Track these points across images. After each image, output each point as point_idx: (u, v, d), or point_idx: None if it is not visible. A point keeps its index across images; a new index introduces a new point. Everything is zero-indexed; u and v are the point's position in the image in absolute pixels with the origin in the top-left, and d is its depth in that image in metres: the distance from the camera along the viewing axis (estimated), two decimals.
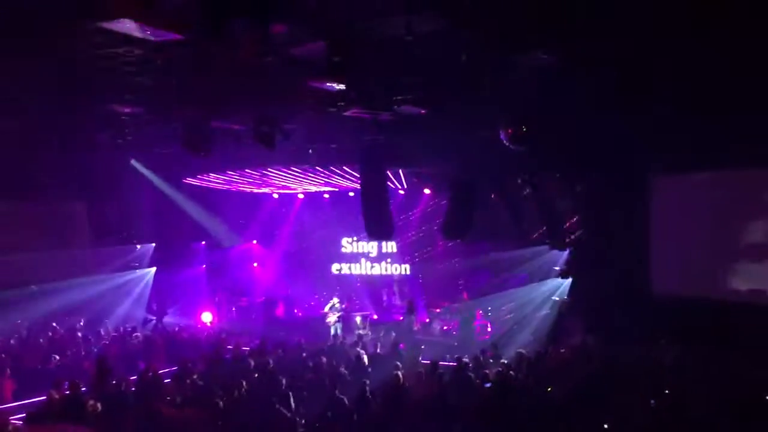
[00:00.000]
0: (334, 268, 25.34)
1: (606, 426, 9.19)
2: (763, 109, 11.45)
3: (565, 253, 19.53)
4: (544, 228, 19.31)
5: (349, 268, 25.22)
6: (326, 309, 21.08)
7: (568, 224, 19.02)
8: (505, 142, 11.64)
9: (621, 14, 7.93)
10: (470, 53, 9.29)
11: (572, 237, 18.83)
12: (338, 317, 20.63)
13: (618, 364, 13.04)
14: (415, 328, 20.41)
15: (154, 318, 21.66)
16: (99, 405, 10.29)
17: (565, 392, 10.74)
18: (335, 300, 21.18)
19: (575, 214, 18.80)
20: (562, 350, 14.80)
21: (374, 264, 24.94)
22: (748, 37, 8.55)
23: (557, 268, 20.08)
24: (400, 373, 12.02)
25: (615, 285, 16.56)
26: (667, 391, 10.75)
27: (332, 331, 19.71)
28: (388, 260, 24.74)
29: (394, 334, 20.45)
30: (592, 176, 17.15)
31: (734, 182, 15.41)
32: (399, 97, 11.35)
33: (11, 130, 14.30)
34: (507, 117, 11.54)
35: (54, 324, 18.09)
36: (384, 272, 24.81)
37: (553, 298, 19.76)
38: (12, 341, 16.59)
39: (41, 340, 16.91)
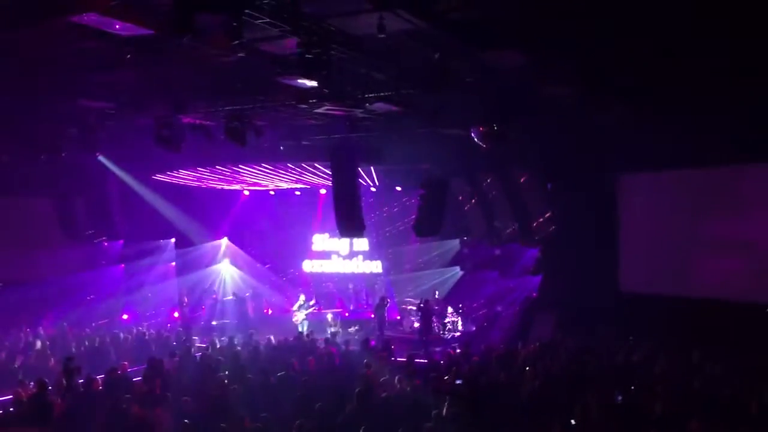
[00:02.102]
0: (306, 265, 25.26)
1: (573, 422, 9.29)
2: (725, 110, 11.70)
3: (536, 251, 19.72)
4: (516, 225, 19.50)
5: (321, 265, 25.15)
6: (294, 307, 21.01)
7: (538, 222, 19.21)
8: (476, 140, 11.72)
9: (589, 14, 8.03)
10: (443, 51, 9.33)
11: (543, 234, 19.02)
12: (305, 315, 20.56)
13: (587, 360, 13.20)
14: (386, 325, 20.42)
15: (126, 315, 21.41)
16: (65, 404, 10.15)
17: (535, 388, 10.84)
18: (302, 297, 21.11)
19: (546, 211, 18.99)
20: (532, 346, 14.93)
21: (346, 261, 24.90)
22: (712, 37, 8.72)
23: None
24: (367, 371, 12.04)
25: (584, 282, 16.76)
26: (633, 387, 10.91)
27: (299, 329, 19.65)
28: (360, 257, 24.74)
29: (363, 331, 20.52)
30: (562, 174, 17.33)
31: (698, 180, 15.71)
32: (371, 95, 11.35)
33: None
34: (479, 115, 11.62)
35: (20, 323, 17.76)
36: (356, 270, 24.78)
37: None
38: None
39: (6, 340, 16.59)
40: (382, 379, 11.88)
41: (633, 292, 16.53)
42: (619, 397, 10.39)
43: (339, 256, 24.93)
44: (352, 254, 24.79)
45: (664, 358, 12.57)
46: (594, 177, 16.68)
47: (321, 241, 25.04)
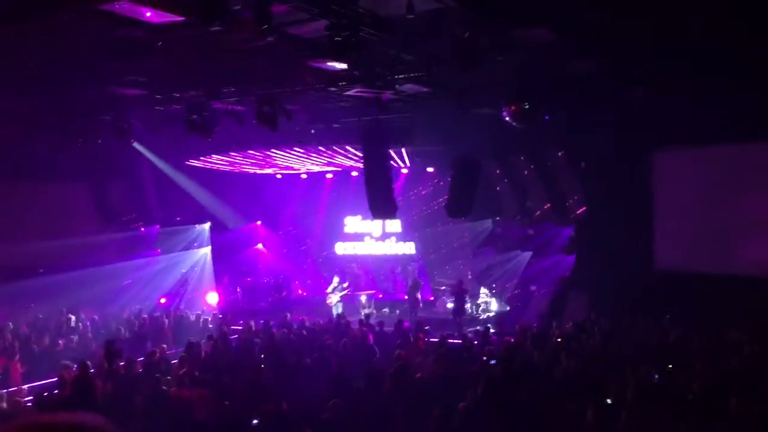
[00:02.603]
0: (339, 248, 25.38)
1: (609, 401, 9.26)
2: (764, 84, 11.43)
3: (570, 230, 19.57)
4: (548, 205, 19.35)
5: (354, 247, 25.25)
6: (328, 290, 21.15)
7: (571, 201, 19.03)
8: (507, 119, 11.62)
9: None
10: (472, 30, 9.25)
11: (576, 213, 18.85)
12: (340, 297, 20.67)
13: (622, 339, 13.11)
14: (419, 306, 20.48)
15: (164, 299, 21.78)
16: (109, 386, 10.41)
17: (569, 367, 10.81)
18: (336, 279, 21.22)
19: (579, 190, 18.80)
20: (567, 326, 14.86)
21: (378, 243, 24.95)
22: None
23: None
24: (401, 351, 12.11)
25: (619, 260, 16.59)
26: (670, 366, 10.82)
27: (334, 312, 19.78)
28: (393, 239, 24.77)
29: (398, 312, 20.57)
30: (595, 153, 17.13)
31: (735, 156, 15.40)
32: (401, 76, 11.31)
33: (13, 112, 14.33)
34: (510, 94, 11.51)
35: (62, 307, 18.19)
36: (388, 251, 24.82)
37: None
38: (21, 325, 16.71)
39: (50, 324, 17.01)
40: (416, 360, 11.95)
41: (669, 270, 16.33)
42: (656, 377, 10.31)
43: (372, 238, 25.00)
44: (384, 236, 24.83)
45: (702, 337, 12.43)
46: (628, 154, 16.44)
47: (353, 223, 25.14)
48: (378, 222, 23.96)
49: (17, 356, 13.55)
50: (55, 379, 11.27)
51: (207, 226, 23.80)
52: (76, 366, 11.20)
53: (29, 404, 10.38)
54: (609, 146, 16.23)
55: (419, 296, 20.63)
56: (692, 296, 14.97)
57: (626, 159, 16.57)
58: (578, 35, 9.55)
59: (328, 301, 20.73)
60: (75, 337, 15.34)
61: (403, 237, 24.62)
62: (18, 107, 13.95)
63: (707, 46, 10.01)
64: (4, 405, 9.74)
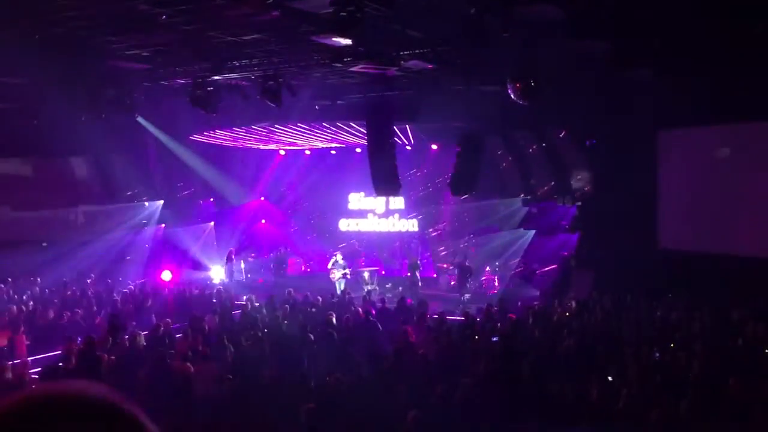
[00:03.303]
0: (342, 224, 25.40)
1: (610, 378, 9.32)
2: (764, 66, 11.36)
3: (573, 209, 19.54)
4: (552, 183, 19.31)
5: (357, 224, 25.27)
6: (329, 265, 21.19)
7: (575, 179, 18.98)
8: (513, 96, 11.55)
9: None
10: (478, 6, 9.17)
11: (580, 192, 18.81)
12: (342, 274, 20.70)
13: (625, 317, 13.15)
14: (419, 284, 20.47)
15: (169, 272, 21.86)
16: (113, 359, 10.50)
17: (571, 345, 10.86)
18: (338, 255, 21.25)
19: (583, 169, 18.74)
20: (570, 304, 14.91)
21: (381, 220, 24.96)
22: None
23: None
24: (406, 327, 12.17)
25: (623, 239, 16.58)
26: (671, 345, 10.86)
27: (337, 288, 19.84)
28: (396, 216, 24.77)
29: (401, 288, 20.62)
30: (600, 131, 17.05)
31: (740, 136, 15.33)
32: (406, 52, 11.24)
33: (17, 87, 14.30)
34: (515, 71, 11.44)
35: (65, 280, 18.29)
36: (392, 228, 24.82)
37: None
38: (25, 298, 16.82)
39: (55, 297, 17.11)
40: (419, 337, 12.01)
41: (672, 249, 16.33)
42: (657, 355, 10.36)
43: (375, 215, 24.99)
44: (388, 213, 24.81)
45: (703, 317, 12.46)
46: (633, 133, 16.35)
47: (357, 200, 25.12)
48: (381, 199, 23.95)
49: (22, 329, 13.65)
50: (60, 352, 11.35)
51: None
52: (80, 339, 11.29)
53: (34, 376, 10.48)
54: (614, 125, 16.16)
55: (418, 275, 20.66)
56: (695, 276, 14.97)
57: (631, 138, 16.49)
58: (585, 13, 9.46)
59: (330, 276, 20.79)
60: (80, 311, 15.43)
61: (406, 214, 24.61)
62: (22, 82, 13.91)
63: (712, 25, 9.93)
64: (10, 376, 9.83)
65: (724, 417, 7.91)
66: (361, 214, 25.23)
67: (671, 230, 16.79)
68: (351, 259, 22.32)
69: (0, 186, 19.74)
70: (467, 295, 19.36)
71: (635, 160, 16.76)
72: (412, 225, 24.57)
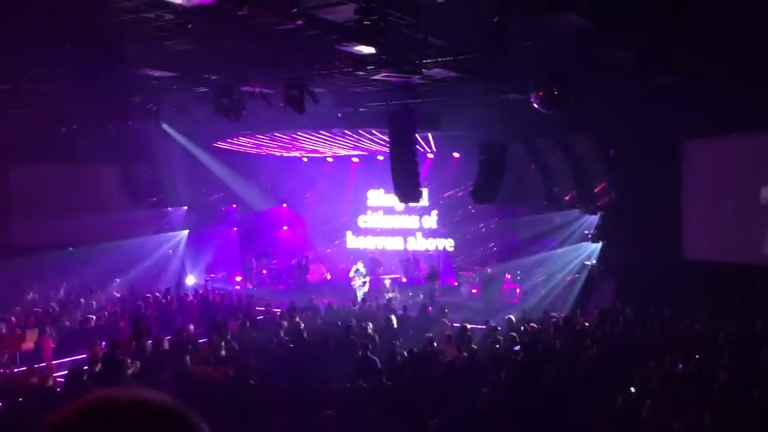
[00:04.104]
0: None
1: (632, 389, 9.23)
2: None
3: (596, 217, 19.38)
4: (575, 191, 19.18)
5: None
6: (351, 273, 21.24)
7: (598, 188, 18.84)
8: (535, 105, 11.53)
9: None
10: (502, 15, 9.18)
11: (603, 201, 18.67)
12: (363, 282, 20.76)
13: (648, 328, 13.02)
14: (437, 294, 20.29)
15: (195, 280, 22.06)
16: (138, 363, 10.61)
17: (593, 355, 10.78)
18: (360, 264, 21.28)
19: (606, 177, 18.61)
20: (592, 313, 14.80)
21: (412, 238, 24.62)
22: None
23: (587, 233, 19.84)
24: (430, 335, 12.16)
25: (646, 249, 16.43)
26: (696, 356, 10.74)
27: (358, 295, 19.90)
28: (419, 234, 24.54)
29: (422, 296, 20.58)
30: (624, 140, 16.93)
31: (763, 147, 15.12)
32: (429, 60, 11.26)
33: (45, 94, 14.54)
34: (538, 79, 11.41)
35: (90, 285, 18.52)
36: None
37: (585, 262, 19.40)
38: (52, 302, 17.06)
39: (81, 300, 17.33)
40: (440, 345, 12.00)
41: (697, 259, 16.15)
42: (680, 366, 10.25)
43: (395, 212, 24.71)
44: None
45: (729, 327, 12.31)
46: (657, 142, 16.22)
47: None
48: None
49: (48, 332, 13.85)
50: (85, 355, 11.50)
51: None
52: (104, 343, 11.44)
53: (60, 380, 10.63)
54: (639, 134, 16.04)
55: (436, 284, 20.58)
56: (719, 286, 14.80)
57: (656, 147, 16.36)
58: (609, 20, 9.43)
59: (352, 284, 20.85)
60: (104, 315, 15.63)
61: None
62: (50, 90, 14.14)
63: (738, 34, 9.84)
64: (35, 380, 9.98)
65: (749, 429, 7.81)
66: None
67: (695, 240, 16.61)
68: (371, 268, 22.28)
69: (27, 191, 20.08)
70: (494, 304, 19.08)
71: (659, 169, 16.62)
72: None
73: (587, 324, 13.84)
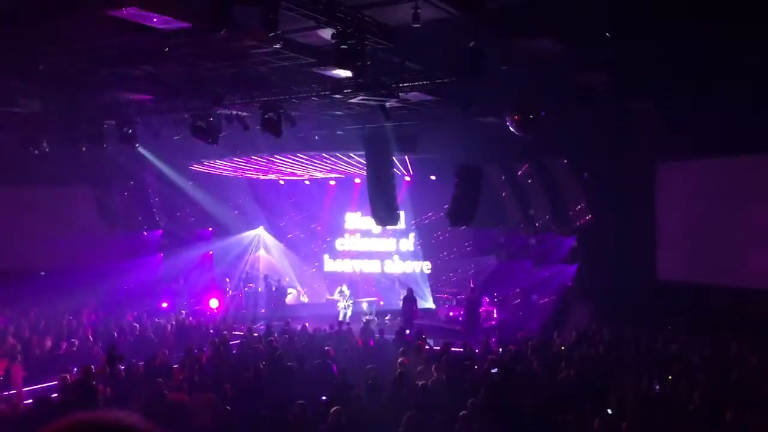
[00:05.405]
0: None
1: (609, 411, 9.25)
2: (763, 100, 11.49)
3: (571, 239, 19.54)
4: (550, 214, 19.34)
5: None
6: (335, 295, 21.15)
7: (574, 210, 19.02)
8: (511, 128, 11.65)
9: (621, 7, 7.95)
10: (477, 40, 9.29)
11: (579, 223, 18.84)
12: (347, 304, 20.70)
13: (624, 349, 13.09)
14: (416, 317, 20.22)
15: (166, 303, 21.79)
16: (109, 390, 10.42)
17: (570, 377, 10.80)
18: (344, 286, 21.22)
19: (582, 200, 18.80)
20: (568, 335, 14.85)
21: (387, 261, 24.66)
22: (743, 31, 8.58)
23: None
24: (406, 359, 12.10)
25: (621, 270, 16.58)
26: (671, 377, 10.81)
27: (340, 316, 19.80)
28: (396, 257, 24.54)
29: (399, 319, 20.52)
30: (598, 163, 17.15)
31: (738, 168, 15.40)
32: (406, 84, 11.35)
33: (19, 116, 14.40)
34: (513, 103, 11.55)
35: (62, 310, 18.19)
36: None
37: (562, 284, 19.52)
38: (23, 328, 16.71)
39: (52, 326, 16.99)
40: (418, 368, 11.94)
41: (671, 280, 16.32)
42: (657, 387, 10.31)
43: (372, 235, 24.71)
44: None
45: (703, 349, 12.41)
46: (631, 165, 16.45)
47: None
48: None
49: (19, 359, 13.55)
50: (57, 382, 11.27)
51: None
52: (76, 369, 11.21)
53: (29, 407, 10.38)
54: (614, 156, 16.26)
55: (414, 307, 20.52)
56: (694, 307, 14.96)
57: (630, 169, 16.58)
58: (584, 46, 9.60)
59: (338, 305, 20.78)
60: (76, 341, 15.34)
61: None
62: (24, 111, 14.01)
63: (711, 58, 10.06)
64: (4, 407, 9.75)
65: None
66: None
67: (670, 261, 16.79)
68: (351, 290, 22.20)
69: None
70: (476, 326, 19.09)
71: (634, 191, 16.84)
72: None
73: (563, 347, 13.88)
